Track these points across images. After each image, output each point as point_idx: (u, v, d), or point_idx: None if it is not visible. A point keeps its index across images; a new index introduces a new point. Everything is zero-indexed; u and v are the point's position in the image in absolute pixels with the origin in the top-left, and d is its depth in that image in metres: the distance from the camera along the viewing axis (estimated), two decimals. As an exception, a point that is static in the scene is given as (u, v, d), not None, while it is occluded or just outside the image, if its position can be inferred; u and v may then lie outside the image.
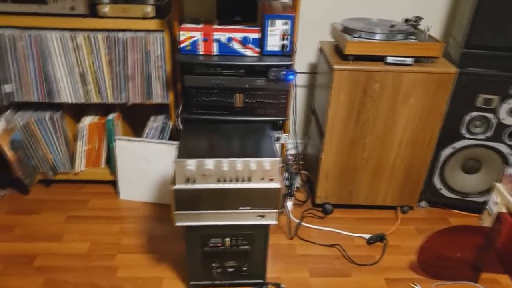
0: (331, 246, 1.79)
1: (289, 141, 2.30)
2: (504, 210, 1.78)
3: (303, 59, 2.19)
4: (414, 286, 1.61)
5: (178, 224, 1.40)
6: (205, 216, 1.40)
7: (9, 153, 1.85)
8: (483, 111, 1.75)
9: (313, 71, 2.22)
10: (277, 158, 1.34)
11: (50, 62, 1.76)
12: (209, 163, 1.33)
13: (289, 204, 1.98)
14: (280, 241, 1.81)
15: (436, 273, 1.64)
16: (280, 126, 1.84)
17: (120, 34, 1.73)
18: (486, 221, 1.89)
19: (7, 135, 1.85)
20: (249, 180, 1.36)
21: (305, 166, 2.29)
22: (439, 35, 2.15)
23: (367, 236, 1.83)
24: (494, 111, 1.74)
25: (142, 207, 1.98)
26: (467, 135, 1.81)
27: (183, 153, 1.36)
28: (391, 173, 1.87)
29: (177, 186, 1.34)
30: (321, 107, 1.90)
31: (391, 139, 1.79)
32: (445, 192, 1.94)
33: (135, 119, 2.17)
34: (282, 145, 1.85)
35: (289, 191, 2.05)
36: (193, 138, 1.50)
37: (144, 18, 1.72)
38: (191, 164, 1.32)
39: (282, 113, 1.70)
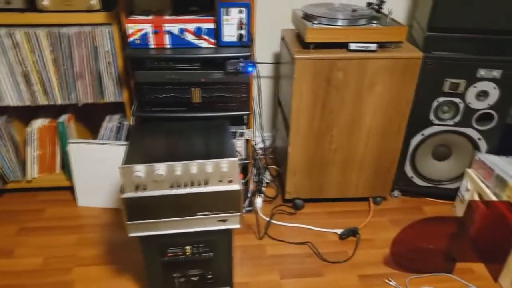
0: (302, 244, 1.71)
1: (256, 135, 2.21)
2: (476, 196, 1.74)
3: (267, 49, 2.08)
4: (388, 281, 1.55)
5: (132, 235, 1.29)
6: (161, 224, 1.29)
7: (-50, 164, 1.70)
8: (450, 96, 1.69)
9: (277, 61, 2.12)
10: (235, 158, 1.24)
11: (-13, 63, 1.61)
12: (160, 168, 1.21)
13: (259, 201, 1.89)
14: (249, 242, 1.72)
15: (410, 266, 1.58)
16: (244, 121, 1.74)
17: (64, 29, 1.59)
18: (459, 208, 1.85)
19: None
20: (206, 183, 1.26)
21: (275, 161, 2.20)
22: (403, 18, 2.07)
23: (339, 231, 1.76)
24: (461, 96, 1.68)
25: (102, 214, 1.86)
26: (436, 121, 1.75)
27: (131, 158, 1.25)
28: (361, 163, 1.80)
29: (126, 195, 1.22)
30: (286, 98, 1.80)
31: (359, 129, 1.71)
32: (417, 180, 1.89)
33: (91, 120, 2.03)
34: (248, 141, 1.76)
35: (258, 187, 1.97)
36: (143, 139, 1.38)
37: (90, 11, 1.58)
38: (140, 170, 1.21)
39: (244, 107, 1.61)
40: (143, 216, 1.26)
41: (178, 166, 1.22)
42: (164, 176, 1.22)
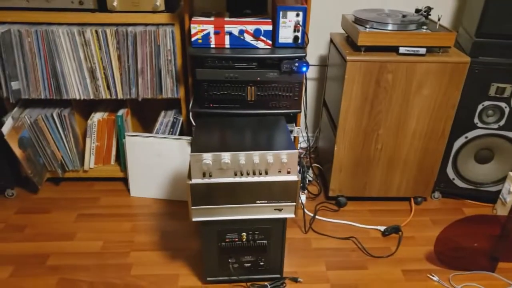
0: (347, 238, 1.78)
1: (300, 134, 2.29)
2: (518, 199, 1.77)
3: (312, 52, 2.17)
4: (431, 276, 1.60)
5: (195, 219, 1.38)
6: (222, 210, 1.38)
7: (18, 151, 1.83)
8: (496, 100, 1.73)
9: (323, 64, 2.20)
10: (295, 150, 1.33)
11: (58, 58, 1.74)
12: (226, 157, 1.31)
13: (302, 197, 1.96)
14: (295, 235, 1.80)
15: (453, 263, 1.63)
16: (292, 119, 1.82)
17: (130, 28, 1.71)
18: (500, 210, 1.89)
19: (15, 133, 1.82)
20: (266, 173, 1.34)
21: (317, 159, 2.28)
22: (449, 24, 2.13)
23: (382, 228, 1.82)
24: (507, 100, 1.73)
25: (153, 204, 1.96)
26: (480, 125, 1.79)
27: (198, 147, 1.34)
28: (405, 164, 1.85)
29: (194, 181, 1.32)
30: (333, 99, 1.88)
31: (405, 130, 1.77)
32: (458, 182, 1.93)
33: (146, 114, 2.15)
34: (295, 138, 1.84)
35: (302, 184, 2.04)
36: (207, 132, 1.48)
37: (154, 11, 1.70)
38: (208, 157, 1.30)
39: (295, 105, 1.69)
40: (207, 202, 1.36)
41: (242, 156, 1.31)
42: (229, 164, 1.31)
